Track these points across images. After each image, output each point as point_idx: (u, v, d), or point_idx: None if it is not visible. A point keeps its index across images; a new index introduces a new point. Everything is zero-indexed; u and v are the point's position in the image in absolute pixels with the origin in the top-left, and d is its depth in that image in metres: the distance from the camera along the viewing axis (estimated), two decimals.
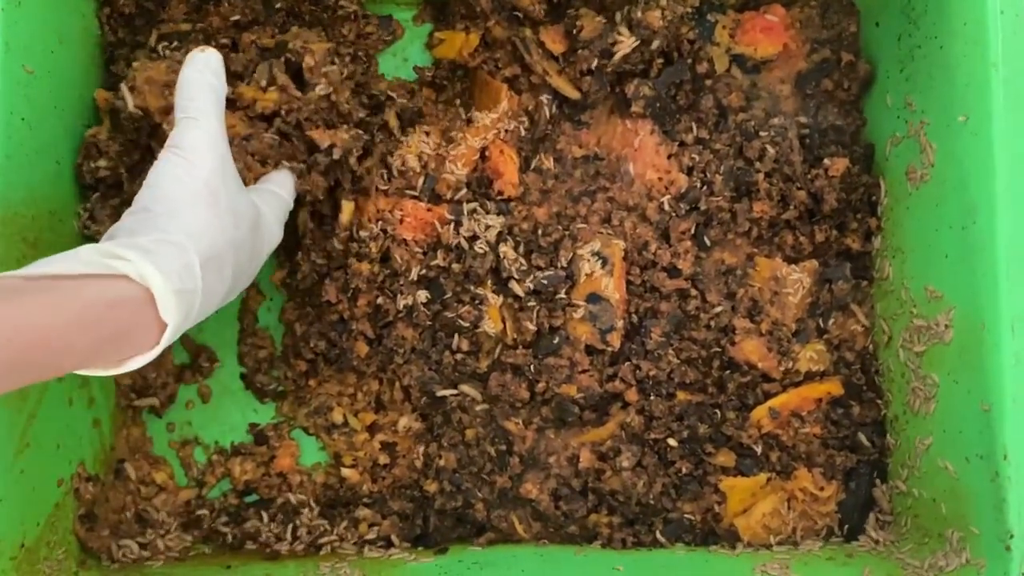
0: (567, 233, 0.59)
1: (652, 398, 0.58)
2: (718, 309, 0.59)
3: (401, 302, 0.58)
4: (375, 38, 0.63)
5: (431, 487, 0.59)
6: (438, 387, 0.59)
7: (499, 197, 0.59)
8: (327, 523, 0.59)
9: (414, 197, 0.59)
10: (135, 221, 0.42)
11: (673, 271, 0.59)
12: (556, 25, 0.60)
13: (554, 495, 0.59)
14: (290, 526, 0.59)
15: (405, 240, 0.58)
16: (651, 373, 0.58)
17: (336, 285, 0.58)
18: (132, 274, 0.39)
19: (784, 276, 0.59)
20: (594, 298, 0.57)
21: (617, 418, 0.59)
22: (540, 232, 0.59)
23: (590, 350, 0.58)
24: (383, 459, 0.60)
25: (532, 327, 0.58)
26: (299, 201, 0.54)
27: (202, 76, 0.45)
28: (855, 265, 0.60)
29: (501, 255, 0.57)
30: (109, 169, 0.55)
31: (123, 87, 0.52)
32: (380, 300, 0.58)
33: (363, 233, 0.58)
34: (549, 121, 0.60)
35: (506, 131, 0.60)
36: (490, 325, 0.57)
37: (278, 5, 0.59)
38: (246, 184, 0.50)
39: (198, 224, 0.43)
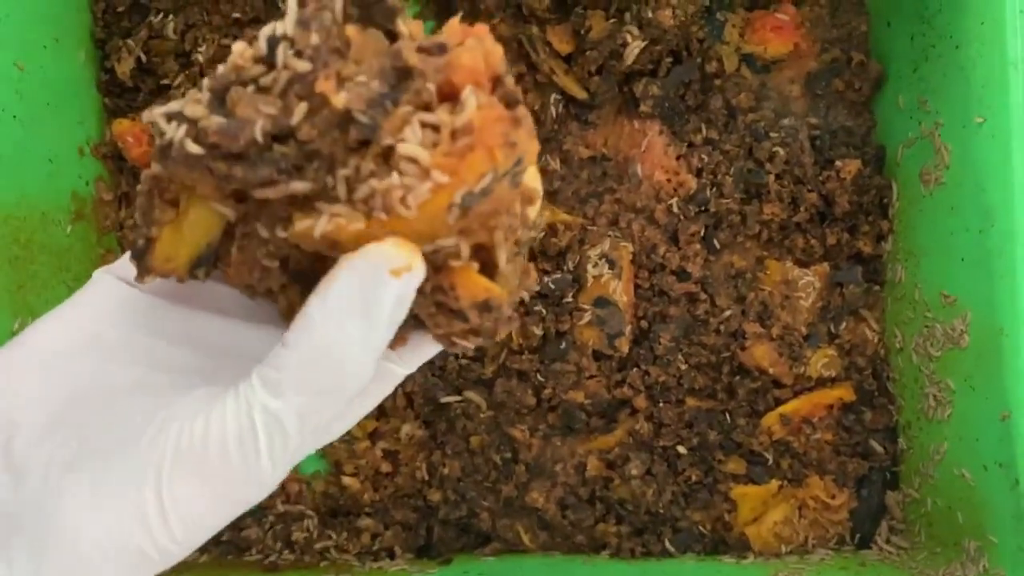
0: (574, 236, 0.57)
1: (661, 404, 0.57)
2: (728, 313, 0.58)
3: None
4: None
5: (435, 496, 0.57)
6: (442, 393, 0.57)
7: None
8: (328, 533, 0.58)
9: None
10: None
11: (682, 274, 0.58)
12: (563, 24, 0.58)
13: (561, 504, 0.57)
14: (289, 536, 0.57)
15: None
16: (660, 379, 0.57)
17: None
18: None
19: (795, 279, 0.58)
20: (602, 302, 0.56)
21: (625, 425, 0.57)
22: (546, 235, 0.57)
23: (597, 355, 0.57)
24: (385, 467, 0.59)
25: (538, 332, 0.56)
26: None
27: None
28: (867, 268, 0.59)
29: None
30: None
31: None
32: None
33: None
34: (555, 121, 0.59)
35: None
36: None
37: (281, 4, 0.58)
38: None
39: None
